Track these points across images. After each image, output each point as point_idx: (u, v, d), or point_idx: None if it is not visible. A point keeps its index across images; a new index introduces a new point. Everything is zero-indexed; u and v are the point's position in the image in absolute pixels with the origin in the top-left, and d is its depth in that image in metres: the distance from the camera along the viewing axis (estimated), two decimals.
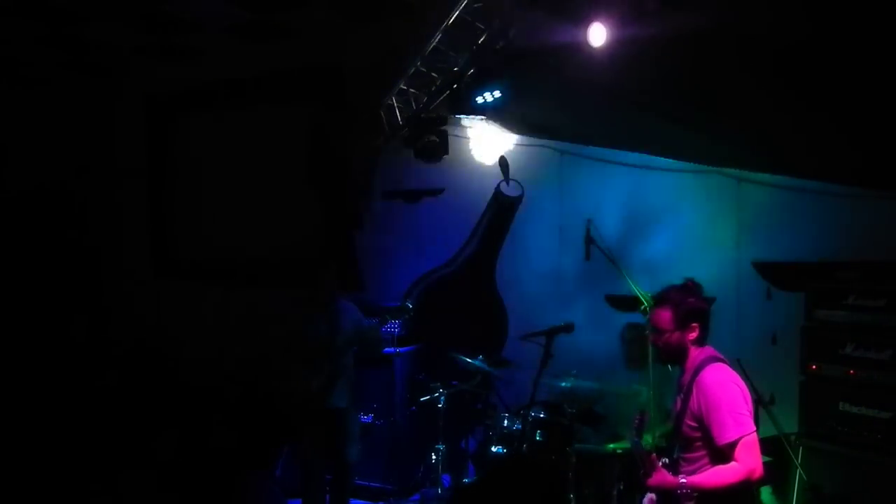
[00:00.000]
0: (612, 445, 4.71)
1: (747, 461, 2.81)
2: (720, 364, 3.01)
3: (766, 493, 4.37)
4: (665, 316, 3.04)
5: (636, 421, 3.02)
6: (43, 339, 6.45)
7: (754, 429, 2.87)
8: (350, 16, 5.66)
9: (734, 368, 3.07)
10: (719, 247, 5.40)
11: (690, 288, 3.10)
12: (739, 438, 2.82)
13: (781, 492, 4.36)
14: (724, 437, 2.84)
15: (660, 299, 3.10)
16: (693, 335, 3.03)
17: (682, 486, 2.87)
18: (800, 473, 4.16)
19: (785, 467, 4.25)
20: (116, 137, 7.55)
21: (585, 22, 3.60)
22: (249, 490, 5.41)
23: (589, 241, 4.96)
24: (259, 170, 6.93)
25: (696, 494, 2.89)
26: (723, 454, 2.86)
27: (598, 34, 3.57)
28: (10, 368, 6.11)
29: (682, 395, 3.07)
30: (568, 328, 4.67)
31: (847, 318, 4.22)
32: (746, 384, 3.02)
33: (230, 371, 6.32)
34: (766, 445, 4.10)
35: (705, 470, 2.93)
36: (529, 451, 4.79)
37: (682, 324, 3.02)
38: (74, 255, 6.98)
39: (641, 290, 4.46)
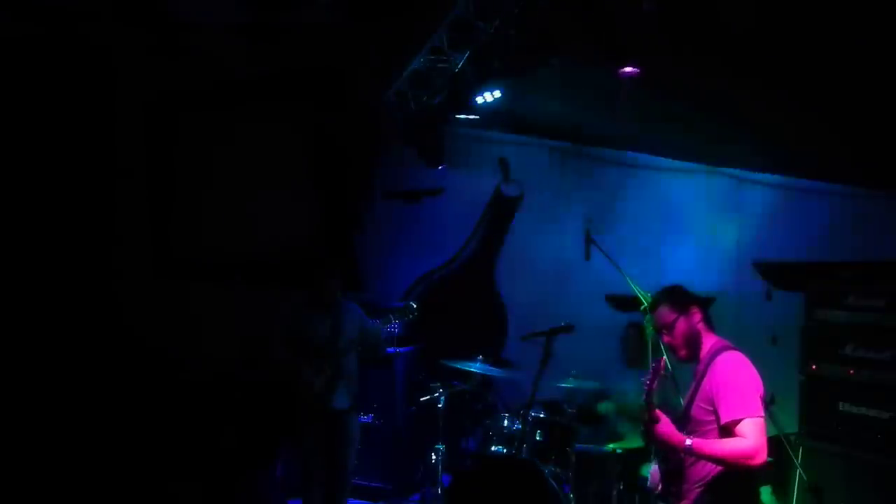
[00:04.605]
0: (612, 445, 4.71)
1: (753, 439, 2.82)
2: (737, 352, 3.06)
3: (766, 493, 4.37)
4: (664, 311, 3.15)
5: (653, 366, 3.03)
6: (45, 340, 6.44)
7: (762, 414, 2.88)
8: (350, 16, 5.66)
9: None
10: (719, 247, 5.40)
11: (672, 286, 3.25)
12: (746, 417, 2.83)
13: (781, 492, 4.37)
14: (730, 414, 2.86)
15: (653, 304, 3.25)
16: (697, 317, 3.13)
17: (687, 448, 2.88)
18: (800, 473, 4.16)
19: (785, 467, 4.25)
20: (116, 137, 7.54)
21: None
22: (250, 490, 5.42)
23: (589, 241, 4.96)
24: (259, 170, 6.92)
25: (695, 458, 2.94)
26: (729, 433, 2.88)
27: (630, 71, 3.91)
28: (11, 369, 6.10)
29: (695, 381, 3.10)
30: (568, 328, 4.67)
31: (847, 318, 4.22)
32: None
33: (231, 371, 6.31)
34: (767, 445, 4.12)
35: None
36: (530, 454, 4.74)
37: (681, 309, 3.12)
38: (74, 256, 6.97)
39: (641, 290, 4.46)
